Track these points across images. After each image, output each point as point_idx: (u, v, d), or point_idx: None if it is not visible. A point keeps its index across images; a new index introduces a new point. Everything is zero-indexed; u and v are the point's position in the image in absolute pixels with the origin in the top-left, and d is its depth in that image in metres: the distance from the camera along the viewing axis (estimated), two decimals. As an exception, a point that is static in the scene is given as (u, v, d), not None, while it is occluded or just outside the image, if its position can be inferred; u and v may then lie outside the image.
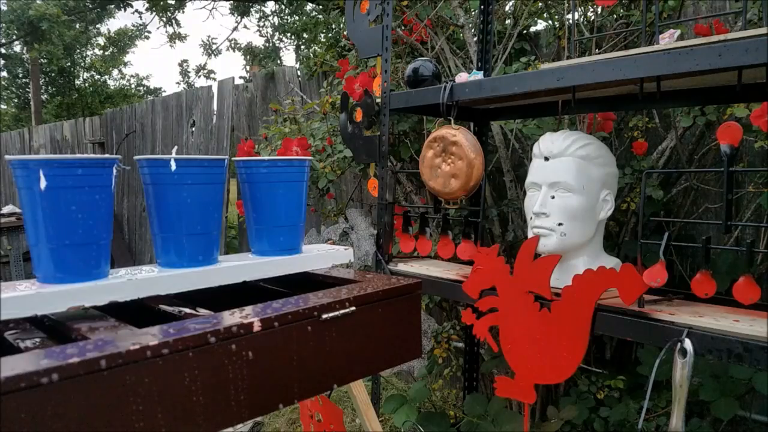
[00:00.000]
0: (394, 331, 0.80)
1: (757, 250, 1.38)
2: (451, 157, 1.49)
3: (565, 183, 1.29)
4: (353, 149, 1.79)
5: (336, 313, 0.70)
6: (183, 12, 12.21)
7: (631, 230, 1.96)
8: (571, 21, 1.82)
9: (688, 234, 2.03)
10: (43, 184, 0.67)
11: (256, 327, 0.61)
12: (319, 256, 0.97)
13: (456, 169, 1.48)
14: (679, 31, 1.25)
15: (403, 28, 2.35)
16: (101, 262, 0.73)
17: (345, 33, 3.13)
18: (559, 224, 1.29)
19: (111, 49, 15.57)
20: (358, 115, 1.74)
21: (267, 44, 12.74)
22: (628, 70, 1.11)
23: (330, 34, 5.69)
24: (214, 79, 15.39)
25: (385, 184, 1.69)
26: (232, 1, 10.47)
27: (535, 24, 2.58)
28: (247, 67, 12.61)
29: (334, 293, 0.75)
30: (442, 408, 2.34)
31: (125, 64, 17.39)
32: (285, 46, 12.81)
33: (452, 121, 1.49)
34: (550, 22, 2.45)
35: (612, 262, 1.35)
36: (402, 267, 1.66)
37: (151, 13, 10.96)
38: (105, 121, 6.32)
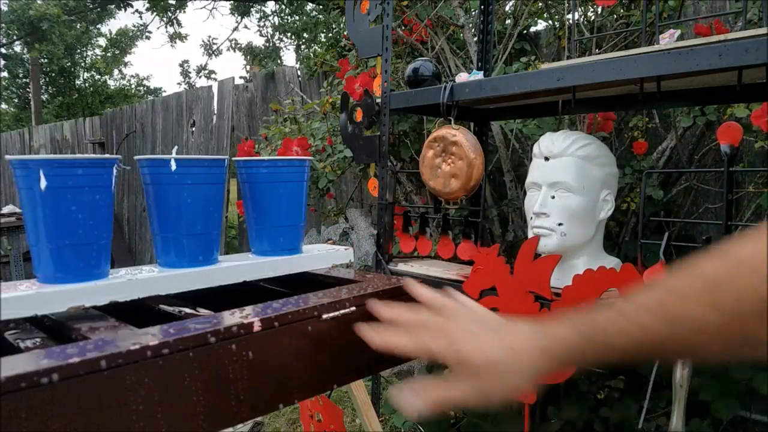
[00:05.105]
0: (394, 331, 0.79)
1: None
2: (451, 157, 1.49)
3: (565, 183, 1.28)
4: (353, 149, 1.79)
5: (336, 313, 0.70)
6: (184, 12, 12.21)
7: (631, 230, 1.96)
8: (571, 21, 1.82)
9: (688, 234, 2.02)
10: (43, 184, 0.66)
11: (257, 327, 0.61)
12: (319, 256, 0.97)
13: (456, 169, 1.48)
14: (679, 31, 1.25)
15: (403, 28, 2.35)
16: (101, 262, 0.73)
17: (345, 33, 3.13)
18: (560, 224, 1.29)
19: (112, 50, 15.58)
20: (358, 115, 1.74)
21: (267, 44, 12.74)
22: (628, 70, 1.11)
23: (330, 34, 5.69)
24: (215, 79, 15.40)
25: (385, 184, 1.69)
26: (232, 1, 10.47)
27: (536, 24, 2.58)
28: (248, 67, 12.60)
29: (334, 293, 0.75)
30: (442, 408, 2.33)
31: (125, 64, 17.39)
32: (285, 46, 12.81)
33: (452, 121, 1.49)
34: (550, 22, 2.45)
35: (612, 262, 1.35)
36: (402, 267, 1.66)
37: (152, 14, 10.97)
38: (105, 121, 6.32)
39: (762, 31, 0.98)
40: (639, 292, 0.48)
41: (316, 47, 6.98)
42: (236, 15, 11.18)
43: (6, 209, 4.91)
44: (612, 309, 0.49)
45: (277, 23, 11.84)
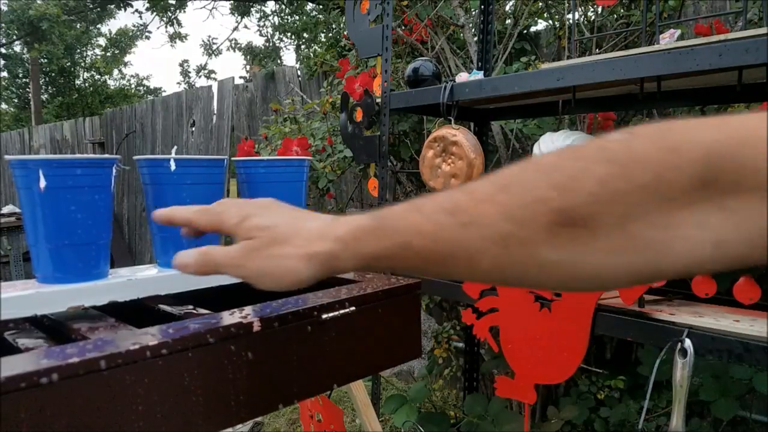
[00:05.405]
0: (393, 331, 0.79)
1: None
2: (451, 157, 1.49)
3: (565, 183, 1.28)
4: (353, 149, 1.79)
5: (335, 313, 0.70)
6: (184, 12, 12.21)
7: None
8: (571, 21, 1.82)
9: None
10: (42, 184, 0.66)
11: (256, 327, 0.61)
12: (318, 256, 0.97)
13: (456, 169, 1.48)
14: (679, 31, 1.25)
15: (403, 28, 2.35)
16: (100, 262, 0.73)
17: (345, 33, 3.13)
18: (559, 224, 1.29)
19: (112, 50, 15.58)
20: (358, 115, 1.74)
21: (267, 44, 12.73)
22: (628, 70, 1.11)
23: (330, 34, 5.69)
24: (215, 79, 15.39)
25: (385, 184, 1.69)
26: (232, 1, 10.47)
27: (536, 24, 2.58)
28: (248, 67, 12.60)
29: (333, 293, 0.75)
30: (442, 408, 2.34)
31: (125, 64, 17.39)
32: (285, 46, 12.80)
33: (452, 121, 1.48)
34: (550, 22, 2.45)
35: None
36: (402, 267, 1.66)
37: (152, 13, 10.97)
38: (105, 121, 6.32)
39: (762, 31, 0.98)
40: (442, 191, 0.45)
41: (316, 47, 6.98)
42: (236, 15, 11.19)
43: (6, 209, 4.91)
44: (411, 203, 0.45)
45: (277, 23, 11.84)
